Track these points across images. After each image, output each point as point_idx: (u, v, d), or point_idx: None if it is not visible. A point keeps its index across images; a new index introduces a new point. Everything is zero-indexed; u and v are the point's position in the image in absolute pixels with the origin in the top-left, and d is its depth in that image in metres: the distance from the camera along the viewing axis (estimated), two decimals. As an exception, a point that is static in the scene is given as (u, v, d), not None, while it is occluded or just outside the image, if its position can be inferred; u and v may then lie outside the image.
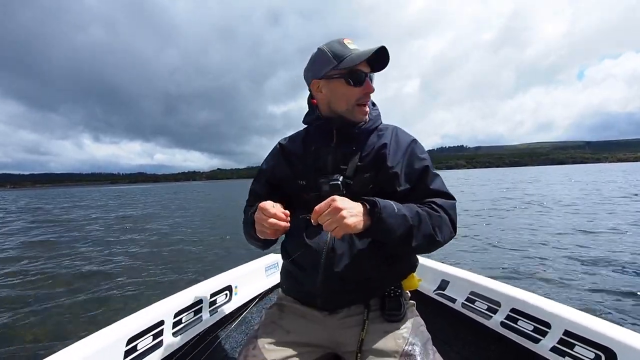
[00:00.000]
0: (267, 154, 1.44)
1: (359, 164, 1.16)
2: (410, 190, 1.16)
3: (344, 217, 0.92)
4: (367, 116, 1.21)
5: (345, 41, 1.15)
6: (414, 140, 1.25)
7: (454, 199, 1.17)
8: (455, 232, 1.14)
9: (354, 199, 1.03)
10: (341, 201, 0.95)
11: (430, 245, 1.07)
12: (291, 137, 1.40)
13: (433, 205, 1.11)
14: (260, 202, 1.19)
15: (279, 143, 1.41)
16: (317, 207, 0.95)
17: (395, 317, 1.18)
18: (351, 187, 1.14)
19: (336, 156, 1.20)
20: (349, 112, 1.18)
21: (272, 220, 1.02)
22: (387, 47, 1.10)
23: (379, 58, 1.13)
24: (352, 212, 0.95)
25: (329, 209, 0.93)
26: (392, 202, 1.03)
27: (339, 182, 1.10)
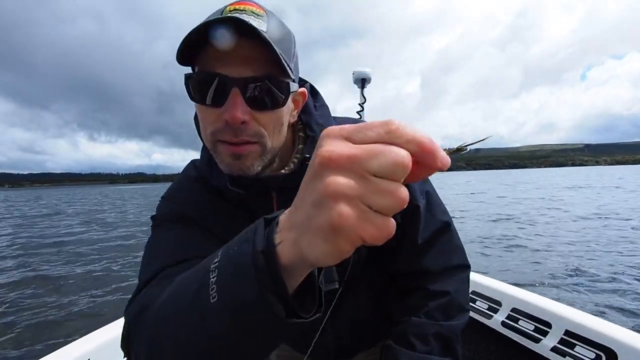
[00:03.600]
0: (163, 205, 0.85)
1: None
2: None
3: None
4: (244, 168, 0.68)
5: (230, 7, 0.65)
6: (426, 198, 0.91)
7: (467, 310, 0.91)
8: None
9: (355, 317, 0.89)
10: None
11: None
12: (193, 188, 0.85)
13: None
14: None
15: (171, 200, 0.85)
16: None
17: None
18: (343, 299, 0.86)
19: None
20: (212, 154, 0.71)
21: None
22: (263, 36, 0.60)
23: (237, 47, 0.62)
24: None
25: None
26: None
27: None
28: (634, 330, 1.29)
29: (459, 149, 0.39)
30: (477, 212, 13.92)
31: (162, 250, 0.73)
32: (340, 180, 0.31)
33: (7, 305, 5.12)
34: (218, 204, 0.81)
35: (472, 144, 0.39)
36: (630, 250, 6.89)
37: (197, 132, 0.80)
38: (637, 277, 5.24)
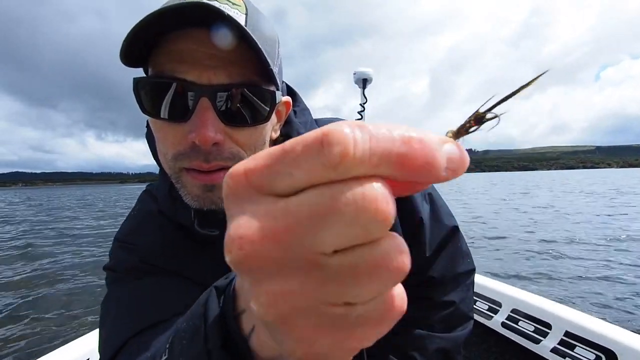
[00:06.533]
0: (118, 253, 0.70)
1: None
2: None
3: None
4: (218, 201, 0.56)
5: None
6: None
7: (471, 318, 0.84)
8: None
9: None
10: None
11: None
12: (154, 228, 0.70)
13: None
14: None
15: (128, 247, 0.69)
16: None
17: None
18: None
19: None
20: (176, 185, 0.58)
21: None
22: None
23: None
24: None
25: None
26: None
27: None
28: (634, 332, 1.28)
29: (476, 120, 0.21)
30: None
31: (125, 314, 0.59)
32: (276, 290, 0.18)
33: (7, 304, 5.21)
34: (187, 243, 0.67)
35: (494, 106, 0.20)
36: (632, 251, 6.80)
37: (153, 155, 0.65)
38: (637, 278, 5.16)
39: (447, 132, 0.21)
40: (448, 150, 0.18)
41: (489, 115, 0.21)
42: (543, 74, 0.21)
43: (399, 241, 0.18)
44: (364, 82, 1.99)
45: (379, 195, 0.17)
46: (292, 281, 0.18)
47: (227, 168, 0.53)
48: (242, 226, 0.18)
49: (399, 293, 0.20)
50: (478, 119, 0.21)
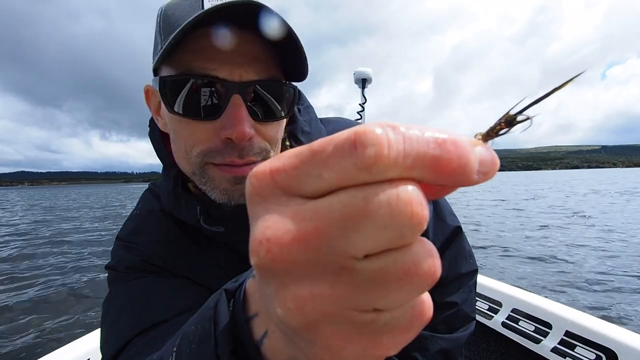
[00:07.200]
0: (121, 252, 0.69)
1: None
2: None
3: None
4: (243, 195, 0.53)
5: None
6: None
7: (473, 319, 0.82)
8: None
9: None
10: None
11: None
12: (156, 227, 0.70)
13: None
14: None
15: (130, 247, 0.69)
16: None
17: None
18: None
19: None
20: (197, 180, 0.58)
21: None
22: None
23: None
24: None
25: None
26: None
27: None
28: (635, 331, 1.28)
29: (507, 122, 0.20)
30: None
31: (127, 314, 0.59)
32: (304, 295, 0.17)
33: (7, 304, 5.25)
34: (190, 242, 0.68)
35: (525, 108, 0.19)
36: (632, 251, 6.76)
37: (157, 153, 0.67)
38: (637, 278, 5.14)
39: (476, 135, 0.20)
40: (480, 152, 0.18)
41: (520, 118, 0.20)
42: (578, 75, 0.20)
43: (430, 246, 0.18)
44: (363, 82, 1.99)
45: (413, 198, 0.16)
46: (321, 286, 0.17)
47: (256, 163, 0.54)
48: (269, 228, 0.17)
49: (427, 300, 0.20)
50: (509, 121, 0.20)
